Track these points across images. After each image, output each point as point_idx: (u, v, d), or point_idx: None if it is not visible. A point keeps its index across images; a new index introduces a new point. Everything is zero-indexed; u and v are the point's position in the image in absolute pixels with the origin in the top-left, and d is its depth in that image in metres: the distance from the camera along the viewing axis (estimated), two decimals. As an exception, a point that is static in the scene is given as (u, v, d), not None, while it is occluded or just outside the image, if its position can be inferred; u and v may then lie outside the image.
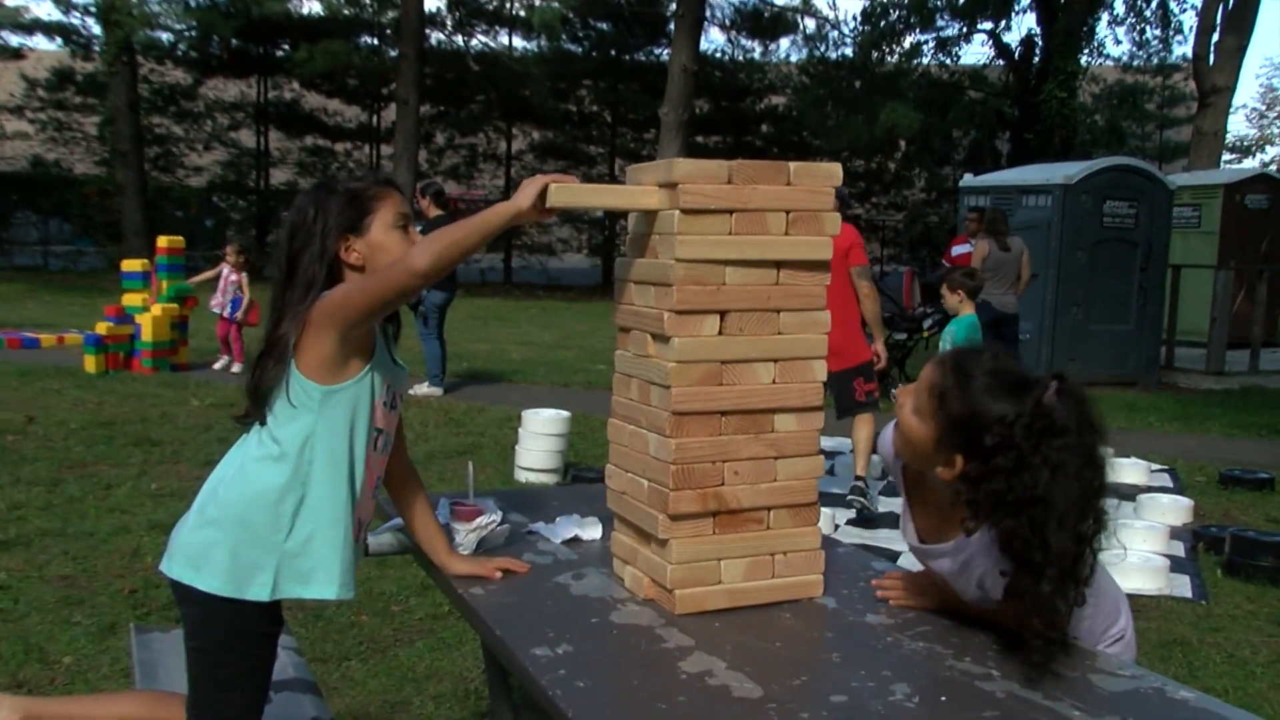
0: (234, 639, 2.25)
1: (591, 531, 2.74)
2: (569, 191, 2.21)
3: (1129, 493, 7.19)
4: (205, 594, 2.21)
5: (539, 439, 7.20)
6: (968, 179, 14.38)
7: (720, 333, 2.21)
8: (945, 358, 2.08)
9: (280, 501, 2.22)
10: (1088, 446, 1.91)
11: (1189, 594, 5.35)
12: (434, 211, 9.81)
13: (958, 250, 11.37)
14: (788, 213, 2.24)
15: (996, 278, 10.32)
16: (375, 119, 31.93)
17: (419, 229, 2.38)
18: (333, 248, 2.23)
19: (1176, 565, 5.77)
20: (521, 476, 7.16)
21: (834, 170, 2.29)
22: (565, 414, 7.45)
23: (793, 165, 2.25)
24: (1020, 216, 12.41)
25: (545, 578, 2.42)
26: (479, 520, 2.53)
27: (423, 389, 10.19)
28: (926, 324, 11.62)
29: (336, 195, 2.26)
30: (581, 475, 6.88)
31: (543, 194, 2.18)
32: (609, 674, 1.91)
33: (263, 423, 2.24)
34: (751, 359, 2.24)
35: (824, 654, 2.07)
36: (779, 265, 2.25)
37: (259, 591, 2.22)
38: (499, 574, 2.40)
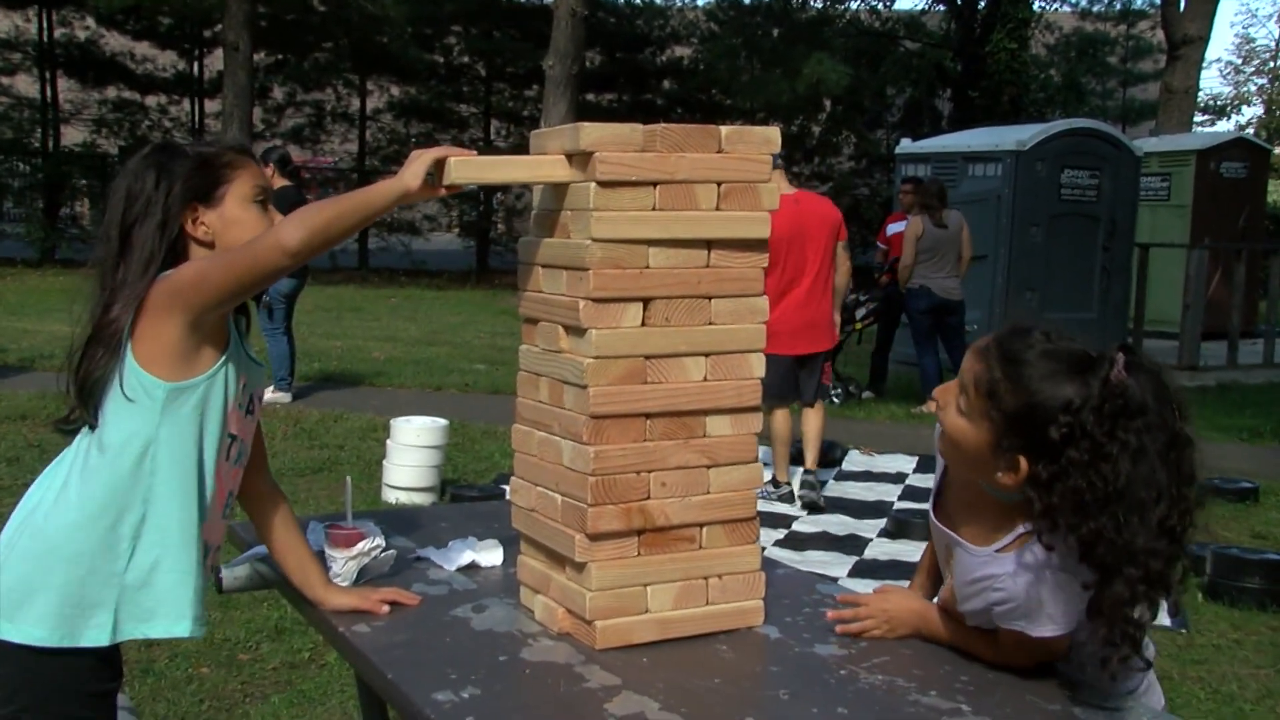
0: (63, 701, 2.21)
1: (491, 556, 2.78)
2: (470, 166, 2.23)
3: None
4: (24, 647, 2.17)
5: (411, 452, 7.19)
6: (904, 144, 14.65)
7: (644, 323, 2.27)
8: (988, 345, 2.06)
9: (117, 524, 2.20)
10: (1170, 425, 1.93)
11: (1167, 622, 5.52)
12: (280, 181, 9.70)
13: (894, 229, 11.54)
14: (719, 185, 2.31)
15: (934, 259, 10.45)
16: (197, 68, 31.26)
17: None
18: (178, 219, 2.24)
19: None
20: (391, 496, 7.15)
21: (771, 135, 2.36)
22: (441, 422, 7.46)
23: (724, 129, 2.32)
24: (965, 188, 12.69)
25: (441, 611, 2.45)
26: (360, 545, 2.55)
27: (268, 394, 10.08)
28: (860, 313, 11.77)
29: (183, 159, 2.27)
30: (462, 494, 6.90)
31: (435, 170, 2.20)
32: None
33: (93, 427, 2.22)
34: (680, 353, 2.30)
35: (770, 691, 2.15)
36: (710, 245, 2.31)
37: (96, 635, 2.19)
38: (385, 607, 2.43)
